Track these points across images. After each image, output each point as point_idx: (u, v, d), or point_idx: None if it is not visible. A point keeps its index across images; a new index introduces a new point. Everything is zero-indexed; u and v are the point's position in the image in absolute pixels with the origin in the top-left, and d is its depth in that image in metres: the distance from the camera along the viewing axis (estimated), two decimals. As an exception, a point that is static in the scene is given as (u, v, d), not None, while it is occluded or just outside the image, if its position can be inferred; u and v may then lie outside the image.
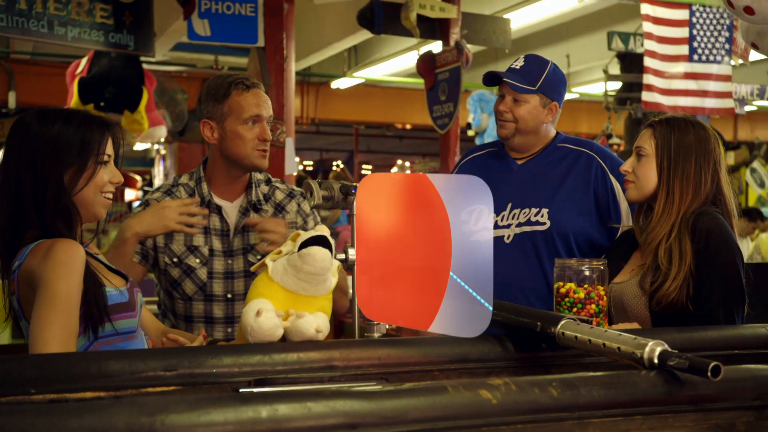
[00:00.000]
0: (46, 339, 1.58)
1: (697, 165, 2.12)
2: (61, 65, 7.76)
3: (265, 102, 2.38)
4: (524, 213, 2.52)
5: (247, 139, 2.33)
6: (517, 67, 2.55)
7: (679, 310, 2.02)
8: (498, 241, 2.47)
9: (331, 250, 1.54)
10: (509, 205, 2.53)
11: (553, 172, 2.56)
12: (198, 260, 2.37)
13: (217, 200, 2.41)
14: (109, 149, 1.83)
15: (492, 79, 2.58)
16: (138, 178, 13.03)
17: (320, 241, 1.54)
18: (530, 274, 2.49)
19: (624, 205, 2.48)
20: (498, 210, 2.51)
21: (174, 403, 0.99)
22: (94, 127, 1.80)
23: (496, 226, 2.52)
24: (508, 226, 2.52)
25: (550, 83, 2.54)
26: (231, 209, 2.43)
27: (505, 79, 2.52)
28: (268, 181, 2.53)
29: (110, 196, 1.84)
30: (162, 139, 10.00)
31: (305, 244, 1.52)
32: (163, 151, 11.77)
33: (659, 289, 2.02)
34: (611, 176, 2.50)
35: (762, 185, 12.21)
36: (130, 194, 13.41)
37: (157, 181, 12.15)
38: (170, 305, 2.43)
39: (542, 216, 2.50)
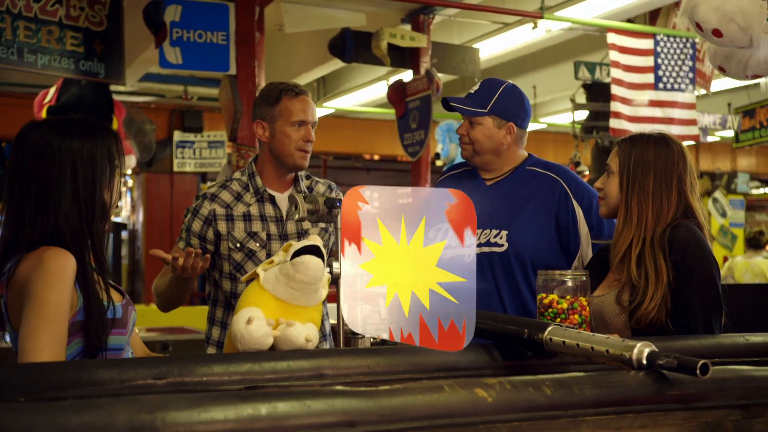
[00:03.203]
0: (38, 349, 1.56)
1: (656, 180, 2.14)
2: (29, 96, 7.69)
3: (310, 108, 2.64)
4: (485, 234, 2.54)
5: (293, 139, 2.60)
6: (473, 92, 2.62)
7: (659, 330, 2.05)
8: None
9: (323, 260, 1.55)
10: None
11: (517, 194, 2.59)
12: (257, 244, 2.64)
13: (269, 191, 2.67)
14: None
15: (449, 105, 2.63)
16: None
17: (312, 250, 1.54)
18: (485, 295, 2.47)
19: (584, 231, 2.51)
20: None
21: (174, 401, 0.99)
22: (111, 137, 1.80)
23: None
24: None
25: (503, 104, 2.58)
26: (282, 198, 2.68)
27: (452, 104, 2.58)
28: (308, 177, 2.82)
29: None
30: (130, 171, 9.91)
31: (297, 254, 1.53)
32: (130, 183, 11.67)
33: (638, 308, 2.05)
34: (574, 201, 2.53)
35: (724, 215, 12.42)
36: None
37: (124, 212, 12.00)
38: (232, 289, 2.65)
39: (501, 238, 2.53)
